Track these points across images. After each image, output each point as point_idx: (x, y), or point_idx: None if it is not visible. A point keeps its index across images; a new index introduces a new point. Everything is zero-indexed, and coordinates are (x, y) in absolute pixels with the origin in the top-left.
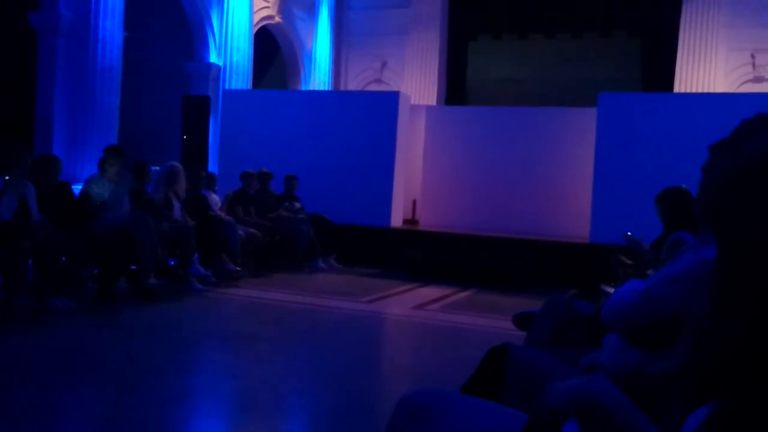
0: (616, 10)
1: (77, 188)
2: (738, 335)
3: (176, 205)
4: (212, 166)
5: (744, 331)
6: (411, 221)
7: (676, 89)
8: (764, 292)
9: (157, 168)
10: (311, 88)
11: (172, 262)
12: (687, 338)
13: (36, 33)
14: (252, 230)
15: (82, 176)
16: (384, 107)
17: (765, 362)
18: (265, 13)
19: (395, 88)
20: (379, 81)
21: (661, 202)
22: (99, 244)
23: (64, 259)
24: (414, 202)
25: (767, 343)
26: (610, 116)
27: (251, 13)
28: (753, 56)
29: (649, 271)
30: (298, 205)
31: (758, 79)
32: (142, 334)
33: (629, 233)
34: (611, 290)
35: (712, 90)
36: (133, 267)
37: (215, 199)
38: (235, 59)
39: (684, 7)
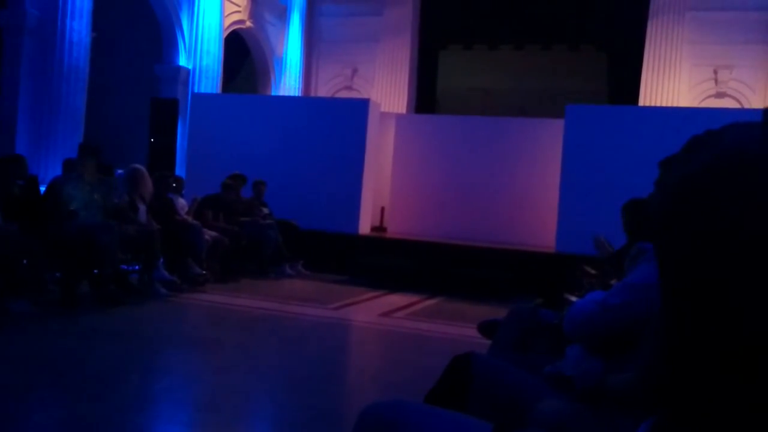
0: (584, 25)
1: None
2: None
3: (141, 208)
4: (180, 170)
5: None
6: (379, 228)
7: (642, 102)
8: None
9: (122, 171)
10: (281, 93)
11: (137, 267)
12: (644, 349)
13: (1, 31)
14: (219, 235)
15: (47, 177)
16: (354, 114)
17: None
18: (236, 17)
19: (365, 96)
20: (349, 88)
21: (625, 212)
22: (62, 246)
23: (25, 261)
24: (382, 210)
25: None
26: (576, 128)
27: (222, 16)
28: (715, 72)
29: (613, 281)
30: (265, 210)
31: (720, 95)
32: (103, 339)
33: (599, 235)
34: (575, 299)
35: (676, 104)
36: (95, 271)
37: (182, 203)
38: (204, 63)
39: (650, 23)
